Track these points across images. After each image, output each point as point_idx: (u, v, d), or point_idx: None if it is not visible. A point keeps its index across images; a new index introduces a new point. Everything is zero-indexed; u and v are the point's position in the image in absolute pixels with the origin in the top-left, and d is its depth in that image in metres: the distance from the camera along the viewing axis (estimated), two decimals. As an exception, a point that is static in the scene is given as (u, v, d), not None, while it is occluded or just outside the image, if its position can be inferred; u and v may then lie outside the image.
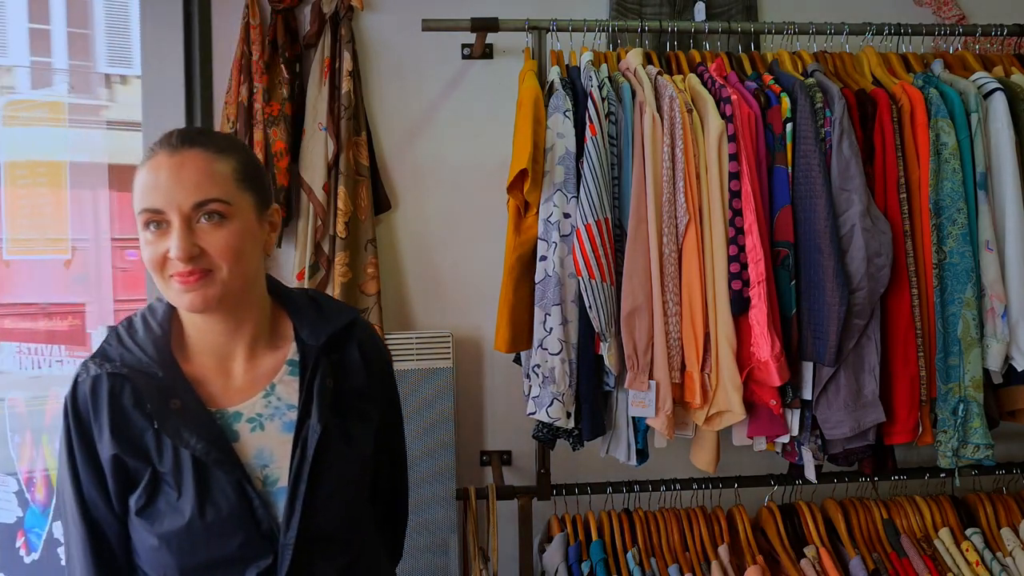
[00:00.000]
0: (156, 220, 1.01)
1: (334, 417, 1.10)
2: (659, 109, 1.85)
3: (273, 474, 1.07)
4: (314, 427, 1.07)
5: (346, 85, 2.22)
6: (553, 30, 2.02)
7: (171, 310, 1.11)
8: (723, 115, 1.81)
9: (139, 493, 1.03)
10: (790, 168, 1.83)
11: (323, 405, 1.09)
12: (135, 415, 1.04)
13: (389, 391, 1.25)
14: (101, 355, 1.07)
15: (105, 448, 1.03)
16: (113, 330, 1.10)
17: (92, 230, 2.28)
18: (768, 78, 1.94)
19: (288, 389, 1.11)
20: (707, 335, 1.81)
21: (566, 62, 2.03)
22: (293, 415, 1.09)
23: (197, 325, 1.10)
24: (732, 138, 1.80)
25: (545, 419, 1.83)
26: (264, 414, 1.09)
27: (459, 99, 2.41)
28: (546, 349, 1.82)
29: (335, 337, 1.14)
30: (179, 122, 1.94)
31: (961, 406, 1.83)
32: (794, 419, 1.87)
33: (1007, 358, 1.86)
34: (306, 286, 2.22)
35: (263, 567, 1.04)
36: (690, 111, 1.84)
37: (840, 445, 1.86)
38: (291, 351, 1.13)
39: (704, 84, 1.89)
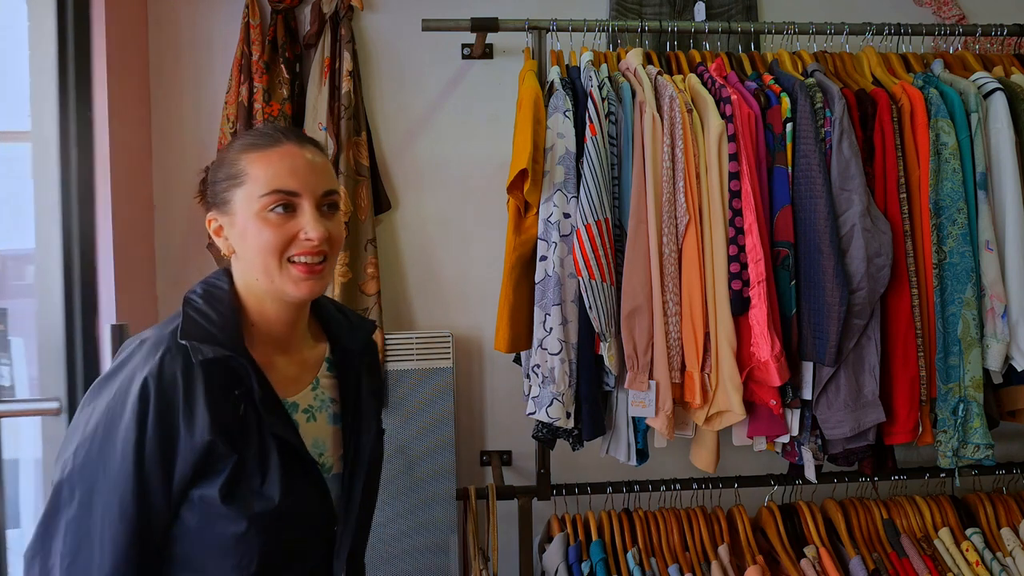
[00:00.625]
0: (287, 202, 1.06)
1: (375, 412, 1.23)
2: (659, 109, 1.85)
3: (327, 462, 1.15)
4: (369, 422, 1.18)
5: (346, 85, 2.22)
6: (553, 30, 2.02)
7: (233, 296, 1.11)
8: (723, 115, 1.81)
9: (224, 479, 1.01)
10: (790, 168, 1.83)
11: (370, 402, 1.21)
12: (224, 400, 1.02)
13: None
14: (188, 336, 1.02)
15: (199, 434, 0.99)
16: (186, 313, 1.06)
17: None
18: (768, 78, 1.94)
19: (329, 383, 1.19)
20: (707, 335, 1.81)
21: (566, 62, 2.03)
22: (335, 408, 1.18)
23: (267, 315, 1.11)
24: (732, 138, 1.80)
25: (545, 419, 1.83)
26: (314, 406, 1.16)
27: (459, 99, 2.41)
28: (546, 349, 1.82)
29: (366, 343, 1.25)
30: (54, 125, 1.87)
31: (961, 406, 1.83)
32: (794, 419, 1.87)
33: (1007, 358, 1.86)
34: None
35: (325, 551, 1.12)
36: (690, 111, 1.84)
37: (840, 445, 1.86)
38: (326, 350, 1.21)
39: (704, 84, 1.90)
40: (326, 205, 1.09)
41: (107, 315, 1.95)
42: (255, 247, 1.06)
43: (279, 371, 1.12)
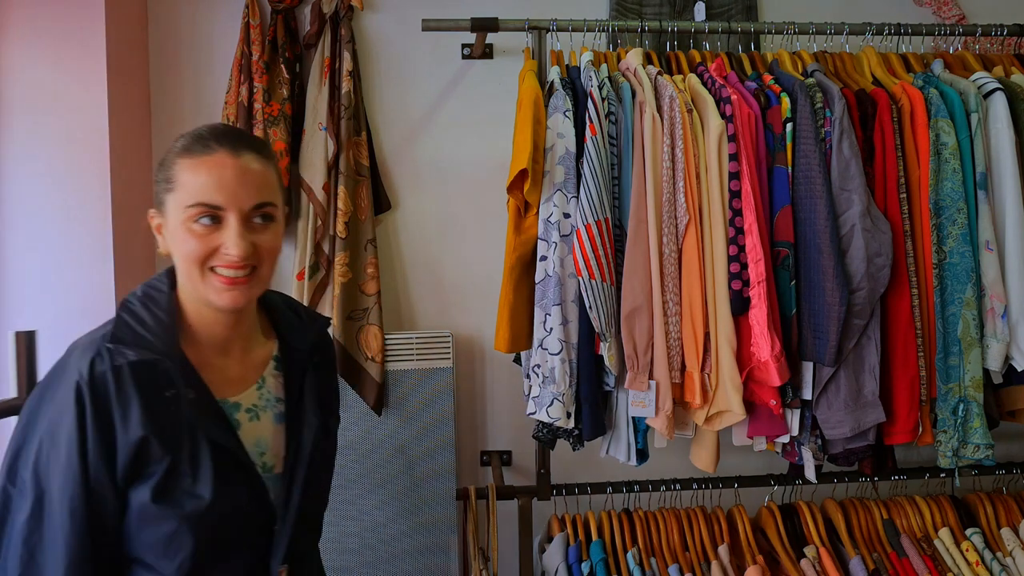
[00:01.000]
0: (211, 215, 1.04)
1: (318, 411, 1.20)
2: (659, 109, 1.85)
3: (269, 461, 1.15)
4: (311, 421, 1.17)
5: (346, 85, 2.22)
6: (553, 30, 2.02)
7: (172, 298, 1.11)
8: (723, 115, 1.81)
9: (158, 478, 1.02)
10: (790, 168, 1.83)
11: (313, 400, 1.19)
12: (157, 401, 1.03)
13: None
14: (117, 340, 1.04)
15: (133, 430, 1.01)
16: (119, 317, 1.08)
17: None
18: (768, 78, 1.94)
19: (275, 383, 1.19)
20: (707, 335, 1.81)
21: (566, 62, 2.03)
22: (281, 407, 1.18)
23: (204, 318, 1.11)
24: (732, 138, 1.80)
25: (545, 419, 1.83)
26: (259, 405, 1.16)
27: (459, 99, 2.41)
28: (546, 349, 1.82)
29: (317, 341, 1.25)
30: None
31: (961, 406, 1.83)
32: (794, 419, 1.87)
33: (1007, 358, 1.86)
34: (306, 286, 2.22)
35: (263, 548, 1.12)
36: (690, 111, 1.84)
37: (840, 445, 1.86)
38: (274, 348, 1.21)
39: (704, 84, 1.90)
40: (258, 217, 1.07)
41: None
42: (180, 254, 1.06)
43: (219, 371, 1.12)
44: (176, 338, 1.08)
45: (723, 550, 2.03)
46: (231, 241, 1.04)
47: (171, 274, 1.13)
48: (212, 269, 1.06)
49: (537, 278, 1.85)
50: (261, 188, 1.07)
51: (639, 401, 1.81)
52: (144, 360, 1.03)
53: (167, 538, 1.03)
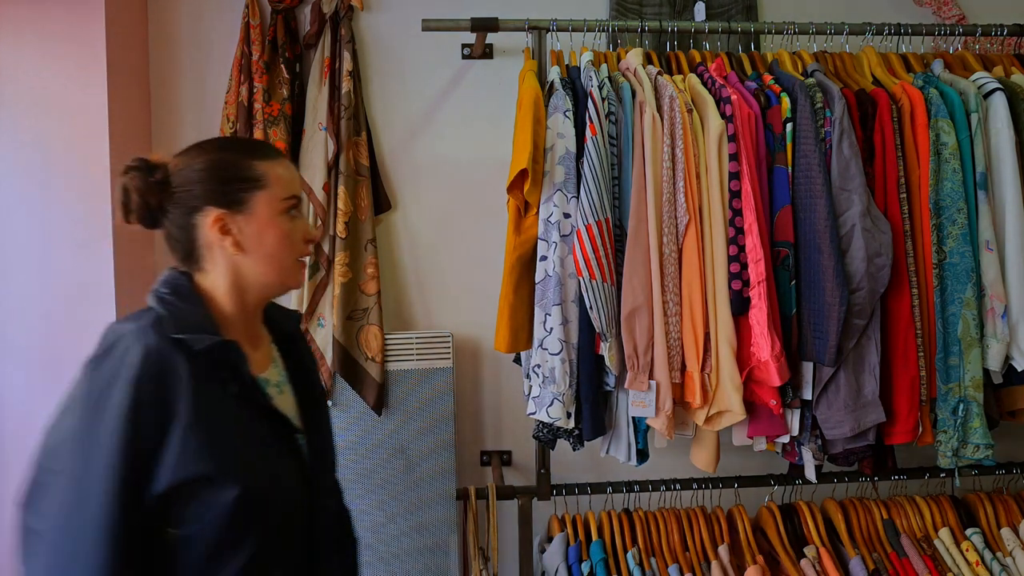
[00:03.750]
0: (297, 205, 1.19)
1: (319, 384, 1.32)
2: (659, 109, 1.85)
3: (298, 432, 1.21)
4: (321, 390, 1.28)
5: (346, 85, 2.22)
6: (553, 30, 2.02)
7: (195, 289, 1.13)
8: (723, 115, 1.81)
9: (214, 457, 1.02)
10: (790, 168, 1.83)
11: (315, 374, 1.31)
12: (213, 388, 1.06)
13: None
14: (180, 329, 1.05)
15: (180, 425, 1.00)
16: (169, 310, 1.08)
17: None
18: (768, 78, 1.94)
19: (281, 361, 1.28)
20: (707, 335, 1.81)
21: (566, 62, 2.03)
22: (289, 383, 1.27)
23: (238, 307, 1.16)
24: (732, 138, 1.80)
25: (545, 419, 1.83)
26: (280, 380, 1.24)
27: (459, 99, 2.41)
28: (546, 349, 1.82)
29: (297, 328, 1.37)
30: None
31: (961, 406, 1.83)
32: (794, 419, 1.87)
33: (1007, 358, 1.86)
34: (306, 286, 2.22)
35: (306, 517, 1.17)
36: (690, 111, 1.84)
37: (840, 445, 1.86)
38: (267, 331, 1.28)
39: (704, 84, 1.90)
40: None
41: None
42: (276, 242, 1.15)
43: (249, 353, 1.17)
44: (216, 326, 1.12)
45: (723, 550, 2.03)
46: (311, 226, 1.22)
47: (183, 272, 1.15)
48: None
49: (537, 278, 1.85)
50: None
51: (639, 401, 1.81)
52: (211, 346, 1.05)
53: (229, 520, 1.02)
